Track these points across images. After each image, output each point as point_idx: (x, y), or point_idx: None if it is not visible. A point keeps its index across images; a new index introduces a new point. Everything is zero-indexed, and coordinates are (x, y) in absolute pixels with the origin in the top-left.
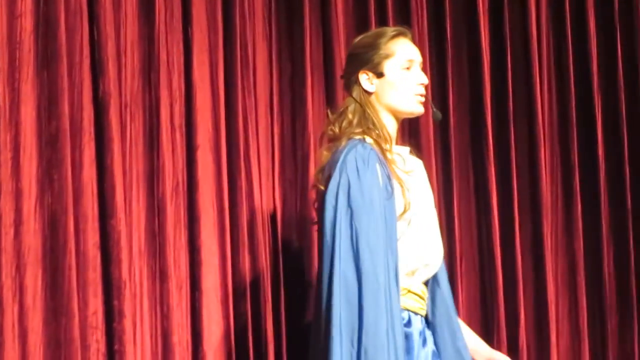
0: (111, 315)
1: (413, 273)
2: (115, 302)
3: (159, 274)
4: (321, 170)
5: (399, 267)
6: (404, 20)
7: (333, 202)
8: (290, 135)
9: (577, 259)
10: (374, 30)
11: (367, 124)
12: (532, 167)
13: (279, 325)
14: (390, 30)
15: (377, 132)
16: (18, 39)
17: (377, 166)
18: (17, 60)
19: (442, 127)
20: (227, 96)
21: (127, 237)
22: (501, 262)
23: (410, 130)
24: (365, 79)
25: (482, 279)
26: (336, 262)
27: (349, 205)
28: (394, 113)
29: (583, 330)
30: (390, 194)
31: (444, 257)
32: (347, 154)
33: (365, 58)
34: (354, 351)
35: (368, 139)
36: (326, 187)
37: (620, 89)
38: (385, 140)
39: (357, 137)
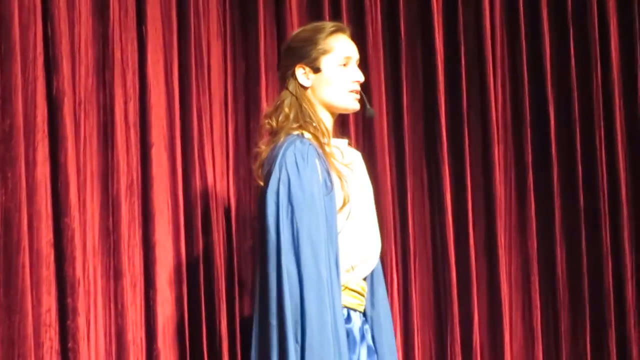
0: (65, 313)
1: (353, 268)
2: (69, 300)
3: (113, 271)
4: (260, 165)
5: (339, 263)
6: (358, 18)
7: (274, 198)
8: (245, 134)
9: (531, 258)
10: (312, 24)
11: (304, 117)
12: (485, 166)
13: (233, 323)
14: (329, 25)
15: (314, 125)
16: None
17: (316, 161)
18: None
19: (395, 126)
20: (181, 95)
21: (81, 234)
22: (455, 261)
23: (363, 129)
24: (302, 74)
25: (436, 278)
26: (281, 258)
27: (290, 202)
28: (329, 108)
29: (536, 329)
30: (330, 189)
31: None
32: (286, 149)
33: (303, 52)
34: (299, 347)
35: (306, 134)
36: (266, 183)
37: (573, 89)
38: (323, 134)
39: (296, 132)
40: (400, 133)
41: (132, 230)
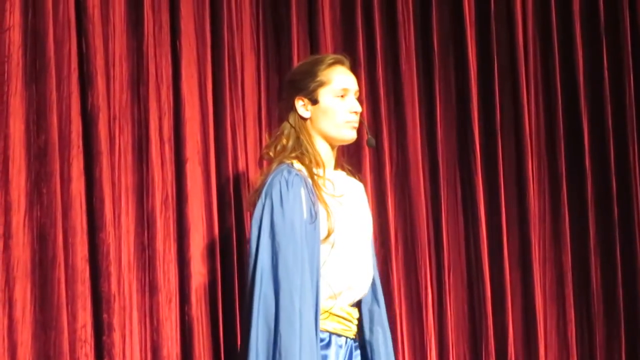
0: (100, 329)
1: (337, 296)
2: (105, 316)
3: (149, 287)
4: (254, 192)
5: (320, 290)
6: (391, 33)
7: (258, 224)
8: None
9: (565, 271)
10: (312, 57)
11: (301, 149)
12: (519, 178)
13: None
14: (328, 58)
15: (309, 157)
16: (6, 52)
17: (302, 190)
18: (5, 74)
19: (429, 139)
20: (215, 109)
21: (116, 250)
22: (489, 274)
23: (397, 142)
24: (301, 105)
25: (470, 291)
26: (257, 284)
27: (272, 229)
28: (328, 139)
29: (571, 342)
30: (314, 218)
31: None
32: (273, 178)
33: (302, 85)
34: None
35: (297, 164)
36: (253, 209)
37: (607, 100)
38: (317, 165)
39: (287, 161)
40: (433, 146)
41: (167, 246)
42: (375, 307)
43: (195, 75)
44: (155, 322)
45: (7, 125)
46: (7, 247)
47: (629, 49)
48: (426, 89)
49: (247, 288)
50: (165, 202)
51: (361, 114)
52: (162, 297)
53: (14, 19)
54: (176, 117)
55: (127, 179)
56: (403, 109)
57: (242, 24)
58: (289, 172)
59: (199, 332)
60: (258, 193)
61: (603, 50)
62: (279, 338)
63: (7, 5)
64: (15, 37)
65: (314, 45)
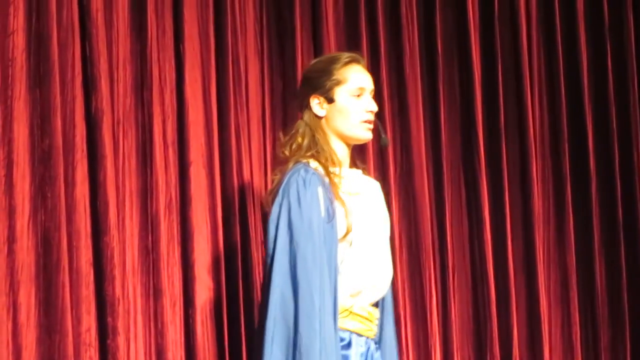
0: (105, 333)
1: (358, 294)
2: (109, 319)
3: (153, 290)
4: (270, 192)
5: (338, 289)
6: (395, 35)
7: (275, 223)
8: None
9: (570, 273)
10: (328, 55)
11: (316, 147)
12: (523, 180)
13: None
14: (344, 56)
15: (325, 155)
16: (10, 56)
17: (319, 189)
18: (9, 78)
19: (433, 141)
20: (219, 112)
21: (120, 254)
22: (493, 276)
23: (401, 145)
24: (316, 104)
25: (475, 293)
26: (275, 283)
27: (289, 228)
28: (343, 138)
29: (576, 344)
30: (331, 217)
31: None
32: (290, 177)
33: (317, 83)
34: None
35: (313, 163)
36: (270, 208)
37: (611, 102)
38: (333, 164)
39: (304, 160)
40: (438, 148)
41: (172, 249)
42: (384, 308)
43: (199, 79)
44: (160, 326)
45: (11, 130)
46: (11, 251)
47: (633, 51)
48: (430, 91)
49: (264, 286)
50: (169, 205)
51: (376, 114)
52: (166, 301)
53: (18, 22)
54: (180, 120)
55: (131, 183)
56: (407, 111)
57: (246, 28)
58: (306, 171)
59: (203, 336)
60: (274, 192)
61: (607, 52)
62: (298, 338)
63: (11, 9)
64: (19, 40)
65: (317, 48)
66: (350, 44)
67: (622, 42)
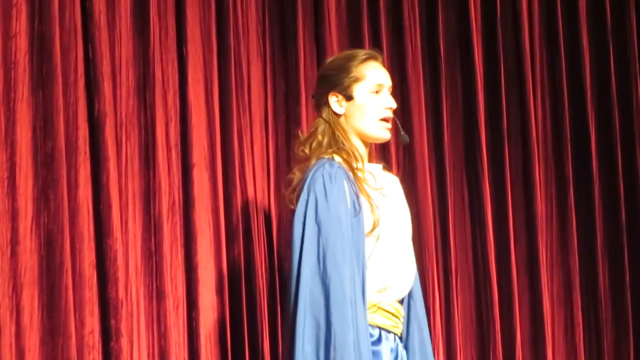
0: (108, 335)
1: (384, 289)
2: (112, 322)
3: (156, 292)
4: (292, 190)
5: (366, 283)
6: (397, 38)
7: (302, 219)
8: (285, 153)
9: (573, 275)
10: (345, 52)
11: (337, 144)
12: (526, 182)
13: (275, 344)
14: (361, 53)
15: (347, 151)
16: (13, 58)
17: (345, 183)
18: (12, 80)
19: (436, 144)
20: (222, 114)
21: (123, 256)
22: (496, 278)
23: (404, 147)
24: (335, 101)
25: (478, 296)
26: (303, 279)
27: (317, 223)
28: (361, 136)
29: (579, 346)
30: (357, 211)
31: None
32: (315, 172)
33: (336, 80)
34: None
35: (337, 158)
36: (296, 205)
37: (614, 105)
38: (356, 159)
39: (327, 156)
40: (440, 151)
41: (175, 251)
42: (411, 301)
43: (202, 81)
44: (163, 328)
45: (14, 132)
46: (14, 253)
47: (635, 53)
48: (433, 93)
49: (289, 284)
50: (172, 207)
51: (394, 111)
52: (169, 303)
53: (21, 25)
54: (183, 122)
55: (134, 185)
56: (410, 114)
57: (248, 30)
58: (331, 165)
59: (206, 338)
60: (298, 189)
61: (610, 54)
62: (332, 332)
63: (14, 12)
64: (21, 43)
65: (320, 50)
66: (353, 46)
67: (625, 44)
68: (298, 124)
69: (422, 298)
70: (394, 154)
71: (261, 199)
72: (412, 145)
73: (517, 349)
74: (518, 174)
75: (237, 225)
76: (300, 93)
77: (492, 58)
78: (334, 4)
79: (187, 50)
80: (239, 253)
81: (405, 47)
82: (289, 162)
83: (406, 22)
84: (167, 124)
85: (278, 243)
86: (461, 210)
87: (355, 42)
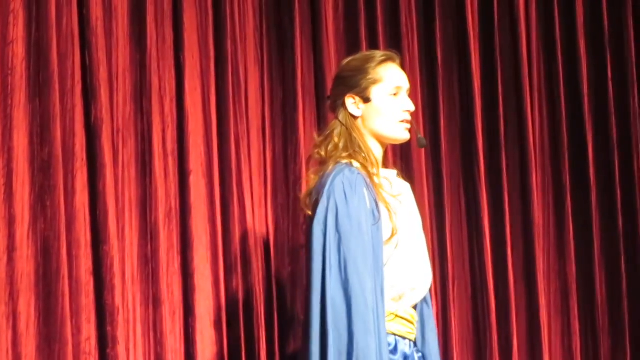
0: (104, 342)
1: (400, 297)
2: (109, 328)
3: (152, 299)
4: (309, 194)
5: (384, 292)
6: (395, 44)
7: (322, 227)
8: (283, 160)
9: (570, 283)
10: (363, 53)
11: (354, 147)
12: (523, 191)
13: (272, 351)
14: (379, 54)
15: (363, 155)
16: (10, 65)
17: (365, 190)
18: (9, 87)
19: (433, 151)
20: (219, 121)
21: (120, 263)
22: (493, 285)
23: (401, 154)
24: (352, 103)
25: (475, 303)
26: (324, 287)
27: (337, 230)
28: (379, 138)
29: (576, 354)
30: (377, 219)
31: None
32: (334, 178)
33: (353, 82)
34: None
35: (355, 163)
36: (314, 211)
37: (611, 112)
38: (372, 164)
39: (344, 161)
40: (437, 158)
41: (171, 258)
42: (425, 308)
43: (199, 88)
44: (159, 335)
45: (10, 138)
46: (10, 259)
47: (633, 60)
48: (430, 100)
49: (308, 293)
50: (168, 214)
51: (412, 114)
52: (165, 310)
53: (18, 32)
54: (179, 129)
55: (130, 192)
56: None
57: (245, 37)
58: (351, 172)
59: (202, 345)
60: (316, 194)
61: (607, 61)
62: (354, 341)
63: (11, 19)
64: (18, 50)
65: (317, 57)
66: (350, 52)
67: (622, 51)
68: (295, 130)
69: (431, 300)
70: (390, 160)
71: (258, 205)
72: (409, 152)
73: (514, 356)
74: (515, 181)
75: (233, 232)
76: (298, 100)
77: (489, 65)
78: (331, 10)
79: (184, 57)
80: (235, 260)
81: (402, 53)
82: (286, 168)
83: (404, 29)
84: (164, 131)
85: (275, 249)
86: (458, 217)
87: (352, 49)
